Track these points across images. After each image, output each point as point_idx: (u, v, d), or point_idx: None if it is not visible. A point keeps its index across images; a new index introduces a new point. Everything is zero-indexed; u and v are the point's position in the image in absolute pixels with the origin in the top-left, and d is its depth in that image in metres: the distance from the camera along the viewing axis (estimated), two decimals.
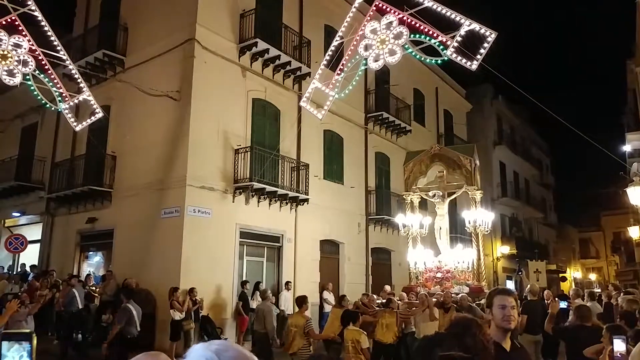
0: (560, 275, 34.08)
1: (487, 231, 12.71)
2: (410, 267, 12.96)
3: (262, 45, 14.67)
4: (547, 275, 22.57)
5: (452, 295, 10.20)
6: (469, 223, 12.47)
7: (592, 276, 42.59)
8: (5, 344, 1.71)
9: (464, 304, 9.44)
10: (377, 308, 10.33)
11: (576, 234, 45.91)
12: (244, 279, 13.79)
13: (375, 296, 11.86)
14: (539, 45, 77.36)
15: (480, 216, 12.56)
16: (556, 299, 7.50)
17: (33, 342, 1.71)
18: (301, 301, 8.08)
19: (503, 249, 28.62)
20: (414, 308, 9.99)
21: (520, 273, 24.88)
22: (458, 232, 20.00)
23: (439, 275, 12.35)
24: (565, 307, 8.14)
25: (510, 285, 27.59)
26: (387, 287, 13.67)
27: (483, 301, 8.68)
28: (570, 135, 37.76)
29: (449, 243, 13.46)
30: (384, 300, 10.27)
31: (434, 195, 13.35)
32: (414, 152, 14.46)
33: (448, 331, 2.75)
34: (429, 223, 13.60)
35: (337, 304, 10.99)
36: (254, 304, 12.49)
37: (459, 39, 9.29)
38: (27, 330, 1.84)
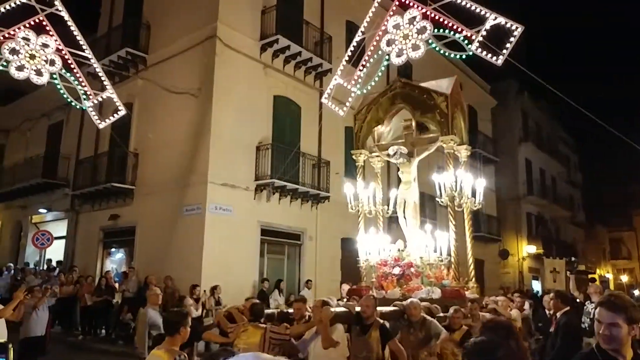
0: (590, 276, 33.25)
1: (476, 206, 8.43)
2: (361, 260, 8.94)
3: (283, 42, 14.59)
4: (575, 276, 21.87)
5: (413, 302, 6.25)
6: (443, 189, 8.20)
7: (624, 277, 41.46)
8: None
9: (412, 315, 5.97)
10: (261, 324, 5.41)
11: (606, 234, 44.71)
12: (265, 276, 13.75)
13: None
14: (565, 38, 75.66)
15: (463, 181, 8.19)
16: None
17: (9, 354, 1.63)
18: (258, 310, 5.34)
19: (529, 249, 28.03)
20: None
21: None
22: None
23: (396, 271, 8.31)
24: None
25: (537, 285, 27.02)
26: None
27: (463, 310, 6.55)
28: (599, 131, 36.75)
29: (419, 225, 8.97)
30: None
31: (395, 154, 8.96)
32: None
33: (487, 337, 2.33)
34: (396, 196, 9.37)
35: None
36: (273, 302, 12.44)
37: (484, 33, 9.04)
38: (2, 341, 1.76)
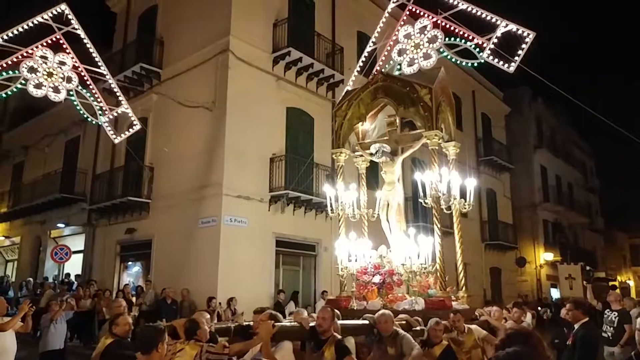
0: (610, 283, 32.67)
1: (465, 207, 7.67)
2: (339, 267, 7.94)
3: (295, 54, 14.71)
4: (595, 283, 21.54)
5: (383, 314, 5.49)
6: (429, 189, 7.43)
7: None
8: None
9: (382, 329, 5.33)
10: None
11: (626, 240, 43.96)
12: (280, 288, 13.75)
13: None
14: (578, 43, 75.09)
15: (451, 180, 7.48)
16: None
17: None
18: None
19: (547, 256, 27.68)
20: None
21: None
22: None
23: (376, 279, 7.56)
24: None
25: (555, 293, 26.61)
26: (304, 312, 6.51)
27: (444, 323, 5.78)
28: (615, 136, 36.35)
29: (404, 230, 8.13)
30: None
31: (377, 152, 8.26)
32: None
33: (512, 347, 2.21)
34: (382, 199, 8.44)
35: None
36: (288, 314, 12.41)
37: (495, 40, 9.04)
38: None
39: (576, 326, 6.18)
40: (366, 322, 5.59)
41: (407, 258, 7.31)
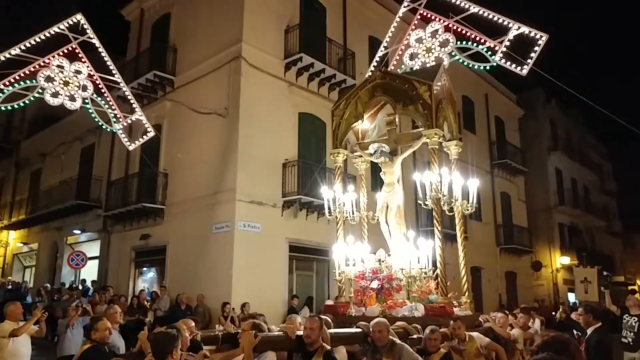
0: (630, 287, 32.12)
1: (468, 209, 7.36)
2: (337, 272, 7.79)
3: (307, 59, 14.77)
4: (613, 288, 21.12)
5: (378, 322, 5.18)
6: (430, 190, 7.13)
7: None
8: None
9: (377, 339, 5.03)
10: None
11: None
12: (294, 293, 13.75)
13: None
14: (593, 43, 74.27)
15: (453, 181, 7.21)
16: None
17: None
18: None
19: (563, 260, 27.33)
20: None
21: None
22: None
23: (374, 284, 7.27)
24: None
25: (573, 298, 26.25)
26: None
27: (443, 330, 5.64)
28: (633, 137, 35.85)
29: (404, 233, 7.74)
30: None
31: (375, 152, 7.93)
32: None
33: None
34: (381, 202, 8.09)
35: None
36: (302, 319, 12.40)
37: (508, 43, 9.01)
38: None
39: (589, 331, 6.01)
40: (359, 330, 5.31)
41: (408, 262, 7.00)
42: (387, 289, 7.21)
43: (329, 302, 8.26)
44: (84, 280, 17.56)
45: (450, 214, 7.45)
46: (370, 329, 5.09)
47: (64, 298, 14.41)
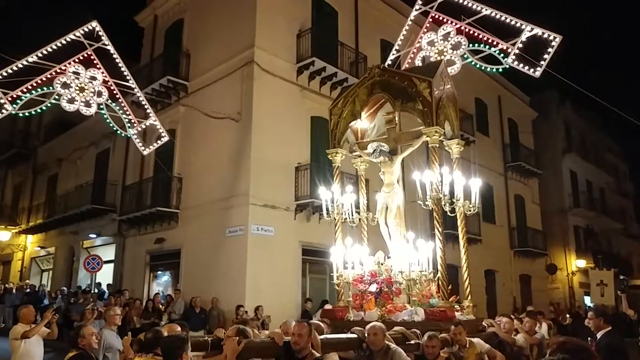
0: None
1: (470, 210, 7.20)
2: (335, 275, 7.49)
3: (319, 63, 14.83)
4: (630, 292, 20.83)
5: (374, 326, 5.01)
6: (430, 190, 6.96)
7: None
8: None
9: (372, 343, 4.87)
10: None
11: None
12: (308, 296, 13.77)
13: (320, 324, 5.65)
14: (607, 43, 73.40)
15: (455, 181, 7.03)
16: None
17: None
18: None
19: (579, 263, 27.01)
20: None
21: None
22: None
23: (372, 288, 7.08)
24: None
25: (589, 301, 25.93)
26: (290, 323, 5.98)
27: (444, 335, 5.48)
28: None
29: (405, 235, 7.55)
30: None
31: (374, 152, 7.71)
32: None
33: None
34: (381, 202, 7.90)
35: None
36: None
37: (520, 45, 8.97)
38: None
39: (599, 335, 5.86)
40: (354, 335, 5.12)
41: (409, 265, 6.73)
42: (386, 293, 7.02)
43: (328, 307, 8.10)
44: (99, 284, 17.75)
45: (452, 214, 7.25)
46: (366, 333, 4.95)
47: (80, 301, 14.58)
